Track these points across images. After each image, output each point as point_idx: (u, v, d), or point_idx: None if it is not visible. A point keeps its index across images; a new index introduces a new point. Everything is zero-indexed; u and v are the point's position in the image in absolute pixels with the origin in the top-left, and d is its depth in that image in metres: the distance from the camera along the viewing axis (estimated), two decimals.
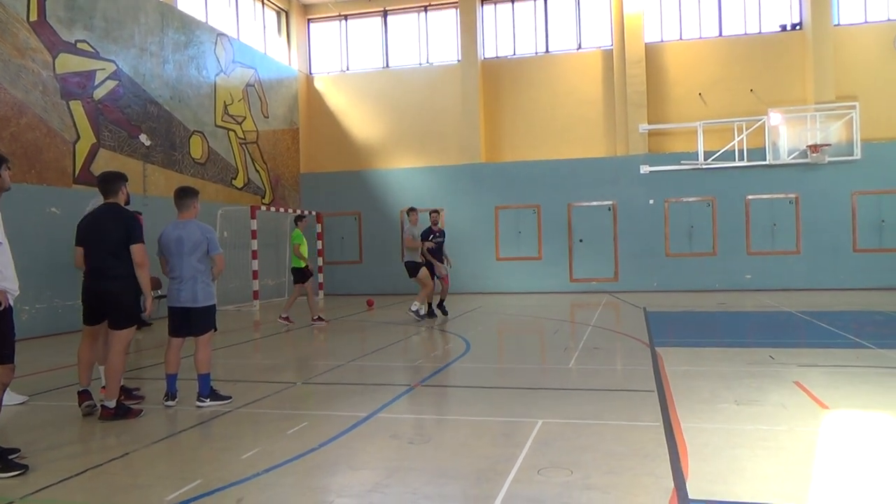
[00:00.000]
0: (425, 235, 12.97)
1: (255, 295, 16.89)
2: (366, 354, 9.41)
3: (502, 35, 20.78)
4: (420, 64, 21.18)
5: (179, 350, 6.46)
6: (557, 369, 7.97)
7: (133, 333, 6.04)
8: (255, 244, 16.88)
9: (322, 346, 10.53)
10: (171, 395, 6.35)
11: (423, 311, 12.64)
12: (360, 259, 20.76)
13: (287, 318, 12.88)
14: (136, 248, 5.83)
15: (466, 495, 3.94)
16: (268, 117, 19.77)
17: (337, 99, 21.63)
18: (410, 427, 5.45)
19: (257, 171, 19.26)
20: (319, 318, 12.91)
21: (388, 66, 21.43)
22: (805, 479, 4.06)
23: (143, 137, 14.83)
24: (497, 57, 20.73)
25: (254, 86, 19.14)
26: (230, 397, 6.45)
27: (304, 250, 12.80)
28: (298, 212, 18.07)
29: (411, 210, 13.21)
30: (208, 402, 6.27)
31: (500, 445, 4.90)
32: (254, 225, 16.86)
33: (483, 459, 4.56)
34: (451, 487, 4.06)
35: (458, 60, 20.59)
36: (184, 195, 6.46)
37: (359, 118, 21.41)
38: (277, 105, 20.25)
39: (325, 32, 22.00)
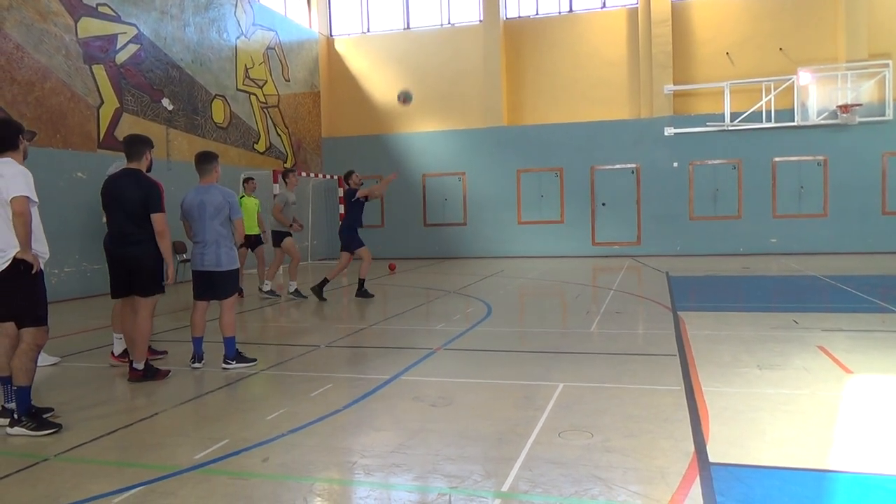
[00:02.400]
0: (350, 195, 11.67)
1: None
2: (388, 318, 9.49)
3: None
4: (441, 25, 20.90)
5: (205, 313, 6.56)
6: (579, 333, 7.98)
7: (158, 298, 6.14)
8: None
9: (345, 310, 10.63)
10: (197, 357, 6.47)
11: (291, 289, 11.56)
12: (382, 223, 20.81)
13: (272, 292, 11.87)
14: (156, 217, 5.87)
15: (487, 457, 3.99)
16: (289, 81, 19.69)
17: (358, 62, 21.47)
18: (432, 390, 5.52)
19: (279, 135, 19.26)
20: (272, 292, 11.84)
21: (408, 27, 21.18)
22: (826, 443, 4.05)
23: (165, 102, 14.87)
24: (519, 17, 20.38)
25: (274, 49, 19.04)
26: (255, 360, 6.57)
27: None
28: (289, 167, 17.87)
29: (290, 172, 12.06)
30: (234, 365, 6.39)
31: (521, 408, 4.94)
32: (276, 189, 16.93)
33: (504, 422, 4.61)
34: (472, 449, 4.11)
35: (480, 20, 20.28)
36: (204, 160, 6.49)
37: (380, 81, 21.26)
38: (298, 68, 20.16)
39: None
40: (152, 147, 6.19)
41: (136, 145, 6.05)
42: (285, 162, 19.44)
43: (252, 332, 8.50)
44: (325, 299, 11.15)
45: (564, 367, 6.21)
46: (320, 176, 19.98)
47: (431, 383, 5.77)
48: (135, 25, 14.08)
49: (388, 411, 4.99)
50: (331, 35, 21.73)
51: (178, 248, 13.05)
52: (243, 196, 12.10)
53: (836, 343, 6.74)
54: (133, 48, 14.04)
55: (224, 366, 6.39)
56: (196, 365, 6.44)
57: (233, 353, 6.43)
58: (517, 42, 20.23)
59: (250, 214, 11.80)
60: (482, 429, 4.49)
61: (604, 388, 5.38)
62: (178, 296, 11.98)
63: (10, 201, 4.49)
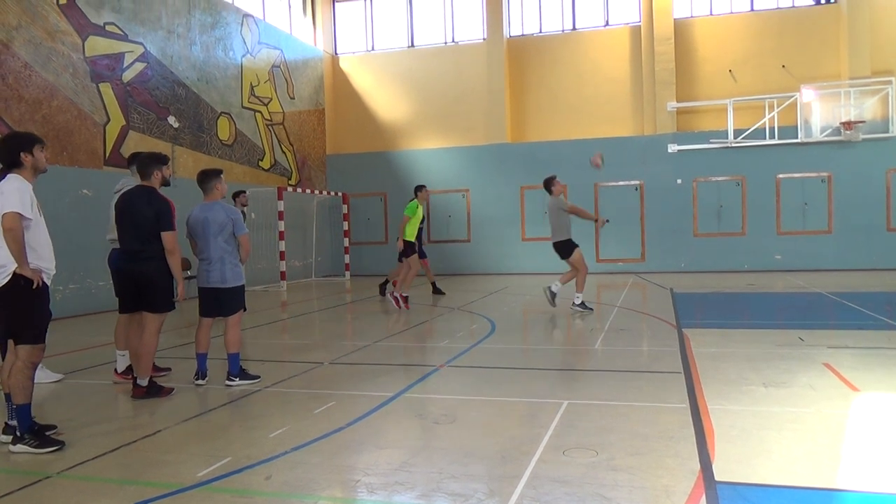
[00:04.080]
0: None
1: (283, 276, 17.06)
2: (392, 335, 9.47)
3: (528, 12, 20.54)
4: (445, 43, 21.05)
5: (210, 330, 6.56)
6: (583, 350, 7.96)
7: (166, 315, 6.15)
8: (282, 225, 17.03)
9: (349, 327, 10.62)
10: (201, 373, 6.47)
11: None
12: (386, 240, 20.83)
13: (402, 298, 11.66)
14: (166, 236, 5.90)
15: (491, 475, 3.97)
16: (294, 98, 19.83)
17: (362, 79, 21.61)
18: (436, 407, 5.49)
19: (284, 152, 19.36)
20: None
21: (413, 45, 21.33)
22: (833, 461, 4.02)
23: (171, 119, 14.97)
24: (523, 35, 20.52)
25: (280, 67, 19.19)
26: (259, 377, 6.56)
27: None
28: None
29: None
30: (238, 382, 6.38)
31: (525, 426, 4.92)
32: (281, 206, 17.00)
33: (508, 440, 4.58)
34: (476, 467, 4.09)
35: (484, 39, 20.42)
36: (206, 177, 6.50)
37: (384, 98, 21.38)
38: (303, 86, 20.30)
39: (350, 12, 21.94)
40: (163, 164, 6.18)
41: (145, 167, 6.05)
42: (290, 179, 19.52)
43: (257, 349, 8.49)
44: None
45: (569, 384, 6.19)
46: (324, 193, 20.05)
47: (435, 401, 5.75)
48: (141, 44, 14.21)
49: (391, 429, 4.97)
50: (336, 53, 21.89)
51: (184, 264, 13.09)
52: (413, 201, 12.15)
53: (842, 360, 6.70)
54: (140, 66, 14.16)
55: (228, 383, 6.38)
56: (200, 382, 6.43)
57: (237, 370, 6.42)
58: (521, 60, 20.34)
59: (416, 222, 12.00)
60: (486, 447, 4.46)
61: (608, 406, 5.35)
62: (182, 313, 12.00)
63: (0, 217, 4.50)
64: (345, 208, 20.25)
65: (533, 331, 10.16)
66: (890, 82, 17.01)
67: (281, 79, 19.24)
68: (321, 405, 5.56)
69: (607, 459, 4.12)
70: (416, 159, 20.75)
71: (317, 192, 19.55)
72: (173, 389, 6.20)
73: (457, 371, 6.93)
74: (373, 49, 21.73)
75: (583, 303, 10.82)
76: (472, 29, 20.84)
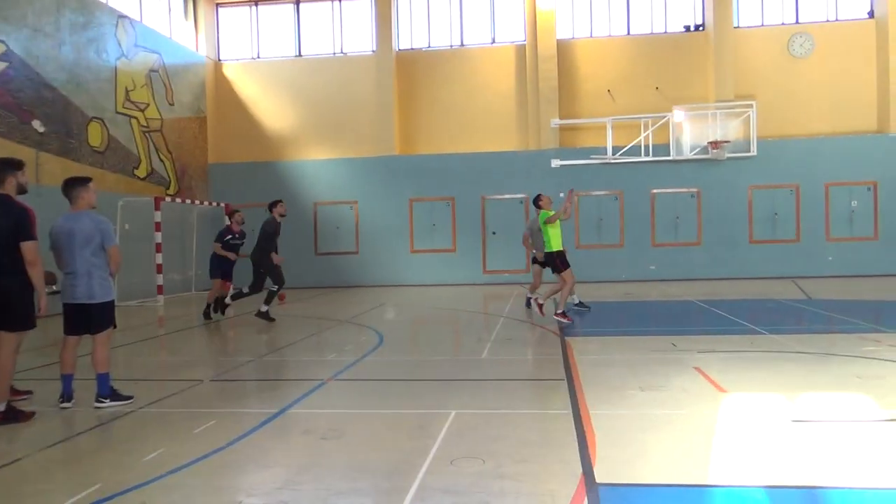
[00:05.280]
0: (221, 236, 12.21)
1: (160, 289, 16.25)
2: (277, 349, 9.21)
3: (417, 27, 20.73)
4: (334, 53, 20.87)
5: (76, 349, 6.12)
6: (471, 360, 8.03)
7: (24, 334, 5.68)
8: (159, 237, 16.23)
9: (231, 342, 10.24)
10: (66, 396, 6.00)
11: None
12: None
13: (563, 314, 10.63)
14: (26, 246, 5.47)
15: (379, 489, 3.91)
16: (173, 105, 19.01)
17: (247, 87, 21.04)
18: (323, 422, 5.37)
19: (162, 160, 18.50)
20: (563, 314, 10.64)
21: (300, 54, 21.01)
22: (705, 459, 4.24)
23: (36, 123, 13.97)
24: (412, 49, 20.67)
25: (158, 71, 18.35)
26: (132, 397, 6.17)
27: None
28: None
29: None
30: (108, 403, 5.98)
31: (413, 438, 4.89)
32: (158, 217, 16.21)
33: (397, 452, 4.54)
34: (363, 482, 4.02)
35: (373, 51, 20.41)
36: (71, 186, 6.07)
37: (270, 107, 20.91)
38: (183, 92, 19.50)
39: (234, 18, 21.33)
40: (17, 168, 5.73)
41: None
42: (168, 188, 18.66)
43: (131, 368, 8.00)
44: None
45: (457, 394, 6.22)
46: (206, 203, 19.31)
47: (322, 416, 5.61)
48: (3, 42, 13.19)
49: (276, 447, 4.80)
50: (219, 59, 21.21)
51: (49, 278, 12.18)
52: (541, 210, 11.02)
53: (711, 364, 7.11)
54: (0, 66, 13.13)
55: (97, 404, 5.96)
56: (65, 405, 5.97)
57: (107, 391, 6.01)
58: (410, 73, 20.48)
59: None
60: (374, 460, 4.40)
61: (496, 415, 5.41)
62: (46, 330, 11.15)
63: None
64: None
65: (421, 342, 10.17)
66: (751, 106, 18.37)
67: (159, 84, 18.40)
68: (201, 425, 5.30)
69: (495, 467, 4.16)
70: (304, 170, 20.40)
71: (198, 202, 18.79)
72: (34, 414, 5.73)
73: (344, 385, 6.81)
74: (258, 57, 21.21)
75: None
76: (361, 41, 20.77)
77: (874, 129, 18.84)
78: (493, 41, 20.37)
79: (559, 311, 10.63)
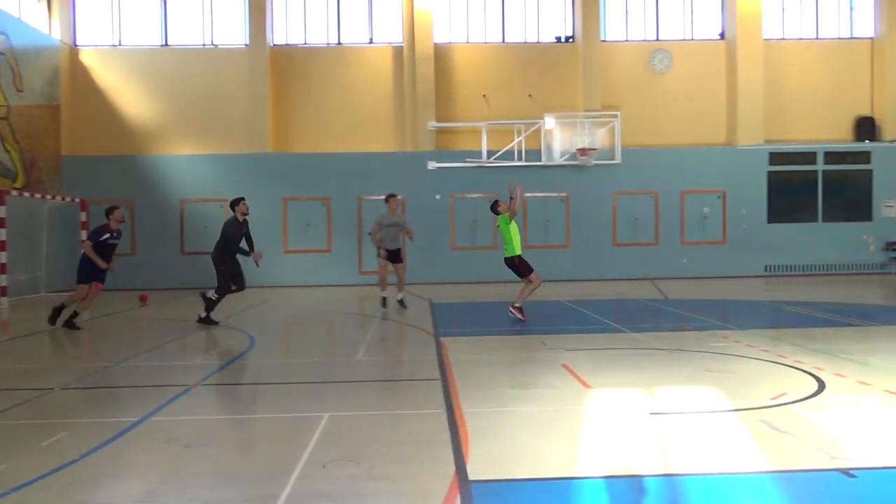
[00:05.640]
0: (97, 235, 10.65)
1: (4, 291, 14.94)
2: (138, 354, 8.69)
3: (293, 22, 20.27)
4: (204, 45, 20.01)
5: None
6: (345, 362, 7.94)
7: None
8: (3, 234, 14.92)
9: (87, 347, 9.56)
10: None
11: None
12: (133, 251, 19.17)
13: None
14: None
15: (248, 496, 3.76)
16: (22, 91, 17.52)
17: (107, 76, 19.76)
18: (188, 429, 5.11)
19: (7, 150, 17.00)
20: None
21: (167, 44, 19.99)
22: (572, 453, 4.40)
23: None
24: (287, 44, 20.19)
25: (4, 54, 16.86)
26: None
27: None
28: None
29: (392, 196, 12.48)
30: None
31: (285, 442, 4.76)
32: (2, 212, 14.90)
33: (267, 458, 4.40)
34: (231, 490, 3.86)
35: (246, 45, 19.75)
36: None
37: (133, 98, 19.74)
38: (34, 78, 18.02)
39: (93, 1, 19.96)
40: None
41: None
42: (14, 181, 17.18)
43: None
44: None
45: (330, 397, 6.12)
46: (58, 198, 17.95)
47: (187, 422, 5.35)
48: None
49: (135, 457, 4.52)
50: (75, 44, 19.78)
51: None
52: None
53: (577, 362, 7.41)
54: None
55: None
56: None
57: None
58: (285, 69, 19.99)
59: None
60: (243, 467, 4.24)
61: (370, 416, 5.37)
62: None
63: None
64: (83, 216, 18.29)
65: (294, 344, 9.94)
66: (616, 116, 19.35)
67: (6, 68, 16.90)
68: (50, 437, 4.89)
69: (368, 469, 4.12)
70: (170, 165, 19.41)
71: (49, 197, 17.43)
72: None
73: (212, 390, 6.53)
74: (120, 44, 19.97)
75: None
76: (233, 33, 20.04)
77: (724, 141, 20.38)
78: (371, 41, 20.29)
79: (517, 305, 10.79)
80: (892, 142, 19.95)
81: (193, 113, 19.68)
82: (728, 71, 20.26)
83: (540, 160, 19.45)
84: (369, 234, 12.77)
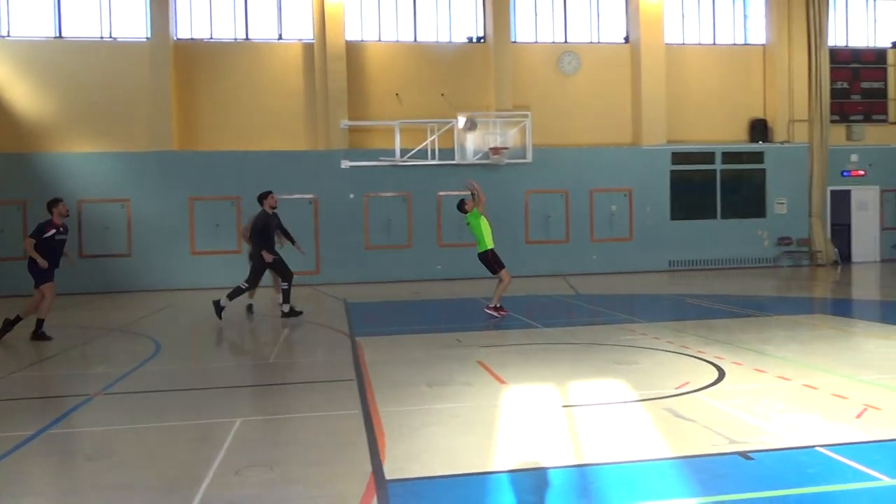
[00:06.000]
0: (39, 232, 10.09)
1: None
2: (34, 363, 8.21)
3: (198, 16, 19.59)
4: (102, 38, 19.07)
5: None
6: (258, 365, 7.76)
7: None
8: None
9: None
10: None
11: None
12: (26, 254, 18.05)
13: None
14: None
15: None
16: None
17: None
18: (90, 441, 4.86)
19: None
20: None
21: (61, 35, 18.94)
22: (488, 448, 4.45)
23: None
24: (192, 39, 19.51)
25: None
26: None
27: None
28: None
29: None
30: None
31: (194, 450, 4.60)
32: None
33: (175, 467, 4.24)
34: (138, 501, 3.69)
35: (148, 38, 18.95)
36: None
37: (22, 93, 18.57)
38: None
39: None
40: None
41: None
42: None
43: None
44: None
45: (242, 401, 5.97)
46: None
47: (88, 434, 5.09)
48: None
49: (32, 472, 4.26)
50: None
51: None
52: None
53: (492, 358, 7.51)
54: None
55: None
56: None
57: None
58: (190, 64, 19.31)
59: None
60: (150, 478, 4.07)
61: (284, 420, 5.27)
62: None
63: None
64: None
65: (203, 349, 9.63)
66: (527, 116, 19.69)
67: None
68: None
69: (282, 474, 4.04)
70: (66, 164, 18.40)
71: None
72: None
73: (115, 399, 6.24)
74: (8, 35, 18.77)
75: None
76: (134, 26, 19.18)
77: (630, 141, 21.10)
78: (281, 37, 19.87)
79: (491, 305, 10.75)
80: (782, 143, 21.18)
81: (91, 109, 18.72)
82: (633, 74, 20.98)
83: (453, 159, 19.57)
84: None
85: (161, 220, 18.60)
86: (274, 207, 11.54)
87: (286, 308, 11.59)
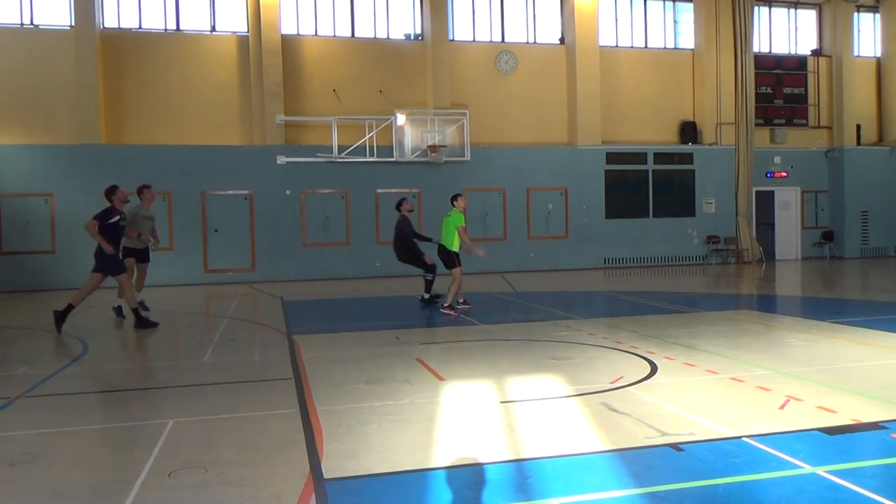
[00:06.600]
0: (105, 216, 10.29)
1: None
2: None
3: (126, 4, 18.94)
4: (22, 24, 18.23)
5: None
6: (191, 365, 7.57)
7: None
8: None
9: None
10: None
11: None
12: None
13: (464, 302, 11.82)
14: None
15: None
16: None
17: None
18: (11, 447, 4.65)
19: None
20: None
21: None
22: (426, 445, 4.46)
23: None
24: (119, 28, 18.85)
25: None
26: None
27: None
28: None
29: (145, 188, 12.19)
30: None
31: (124, 453, 4.46)
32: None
33: (104, 471, 4.10)
34: None
35: (72, 26, 18.22)
36: None
37: None
38: None
39: None
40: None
41: None
42: None
43: None
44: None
45: (175, 402, 5.81)
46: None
47: (9, 439, 4.87)
48: None
49: None
50: None
51: None
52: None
53: (431, 355, 7.53)
54: None
55: None
56: None
57: None
58: (117, 55, 18.65)
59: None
60: (77, 483, 3.92)
61: (219, 420, 5.16)
62: None
63: None
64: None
65: (134, 348, 9.33)
66: (465, 114, 19.78)
67: None
68: None
69: (217, 475, 3.95)
70: None
71: None
72: None
73: (38, 402, 5.98)
74: None
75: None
76: (57, 13, 18.41)
77: (565, 141, 21.46)
78: (214, 29, 19.41)
79: (447, 304, 10.96)
80: (710, 144, 21.92)
81: (11, 99, 17.89)
82: (568, 75, 21.33)
83: (392, 156, 19.51)
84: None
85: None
86: (410, 210, 12.86)
87: (427, 295, 12.52)
